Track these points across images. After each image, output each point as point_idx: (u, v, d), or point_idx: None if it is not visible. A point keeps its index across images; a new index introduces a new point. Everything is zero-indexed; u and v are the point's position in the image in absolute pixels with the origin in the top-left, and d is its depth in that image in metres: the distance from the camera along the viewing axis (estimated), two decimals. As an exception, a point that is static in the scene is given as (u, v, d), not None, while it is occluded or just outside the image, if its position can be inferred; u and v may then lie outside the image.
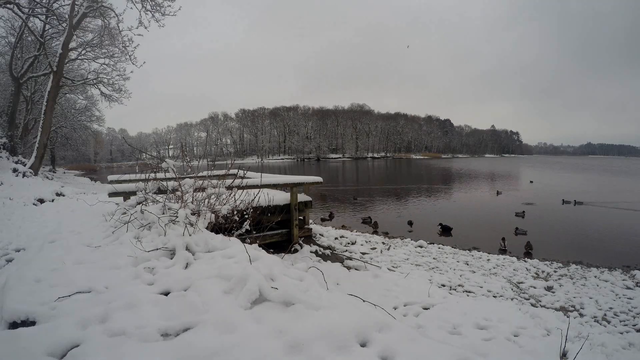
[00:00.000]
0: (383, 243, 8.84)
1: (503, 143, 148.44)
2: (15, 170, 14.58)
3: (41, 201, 10.31)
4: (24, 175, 14.50)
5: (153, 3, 16.73)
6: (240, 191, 4.96)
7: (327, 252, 7.19)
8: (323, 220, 13.00)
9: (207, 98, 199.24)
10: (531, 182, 29.55)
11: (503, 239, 9.45)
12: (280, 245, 6.65)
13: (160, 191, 4.76)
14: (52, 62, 16.77)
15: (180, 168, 5.20)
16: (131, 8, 16.79)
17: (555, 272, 7.15)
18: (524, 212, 14.13)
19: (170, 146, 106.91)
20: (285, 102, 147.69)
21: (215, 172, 5.80)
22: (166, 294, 2.42)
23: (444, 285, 6.00)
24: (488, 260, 7.83)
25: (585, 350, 3.73)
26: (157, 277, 2.68)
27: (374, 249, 8.23)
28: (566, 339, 3.43)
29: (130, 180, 6.08)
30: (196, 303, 2.19)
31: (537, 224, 12.39)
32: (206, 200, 4.37)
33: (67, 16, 16.67)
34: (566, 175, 40.57)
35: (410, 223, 12.18)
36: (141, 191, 4.67)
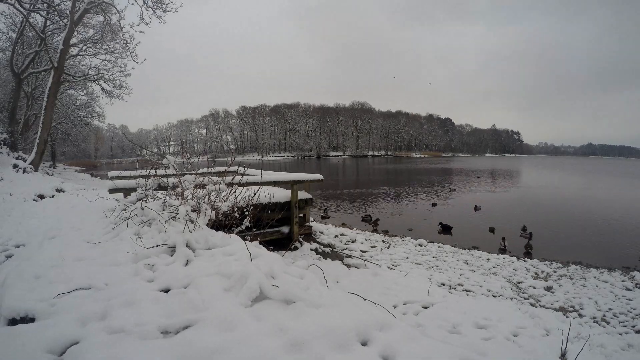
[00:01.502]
0: (383, 241, 8.84)
1: (504, 142, 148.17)
2: (15, 166, 14.56)
3: (41, 197, 10.29)
4: (24, 171, 14.49)
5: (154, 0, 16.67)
6: (240, 188, 4.95)
7: (327, 249, 7.19)
8: (323, 218, 13.01)
9: (208, 96, 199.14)
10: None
11: (503, 238, 9.45)
12: (281, 243, 6.64)
13: (160, 188, 4.74)
14: (53, 58, 16.71)
15: (180, 164, 5.19)
16: (132, 4, 16.73)
17: (554, 272, 7.15)
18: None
19: (171, 143, 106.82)
20: (287, 99, 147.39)
21: (216, 169, 5.78)
22: (166, 291, 2.42)
23: (443, 284, 5.99)
24: (488, 259, 7.83)
25: (585, 351, 3.73)
26: (157, 274, 2.67)
27: (374, 247, 8.23)
28: (567, 340, 3.42)
29: (130, 177, 6.06)
30: (196, 300, 2.18)
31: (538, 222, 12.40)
32: (206, 197, 4.35)
33: (68, 12, 16.59)
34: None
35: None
36: (141, 187, 4.65)
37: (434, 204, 16.09)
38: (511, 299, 5.58)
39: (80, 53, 20.90)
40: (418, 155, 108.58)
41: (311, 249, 6.86)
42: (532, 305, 5.37)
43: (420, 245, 8.77)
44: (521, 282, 6.40)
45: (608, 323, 4.93)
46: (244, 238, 3.80)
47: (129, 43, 17.90)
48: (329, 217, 13.17)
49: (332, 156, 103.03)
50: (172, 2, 16.97)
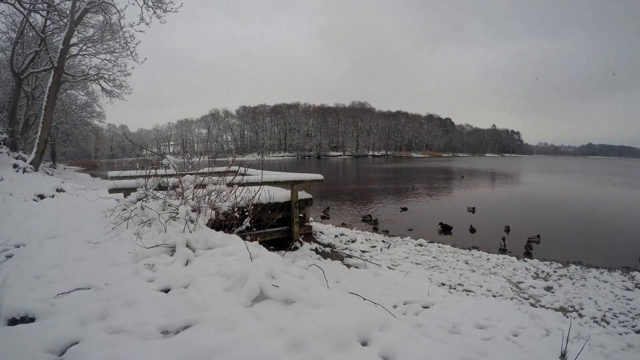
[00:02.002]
0: (383, 241, 8.84)
1: (504, 142, 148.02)
2: (15, 166, 14.56)
3: (41, 197, 10.30)
4: (24, 171, 14.49)
5: (154, -1, 16.68)
6: (240, 188, 4.95)
7: (327, 249, 7.19)
8: (323, 218, 13.01)
9: (208, 96, 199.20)
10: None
11: (503, 238, 9.45)
12: (281, 243, 6.64)
13: (160, 187, 4.74)
14: (53, 58, 16.71)
15: (180, 164, 5.19)
16: (133, 4, 16.74)
17: (554, 272, 7.15)
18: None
19: (171, 143, 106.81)
20: (287, 99, 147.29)
21: (216, 169, 5.78)
22: (166, 291, 2.42)
23: (443, 284, 5.99)
24: (488, 259, 7.83)
25: (585, 351, 3.73)
26: (157, 274, 2.67)
27: (374, 247, 8.22)
28: (567, 340, 3.42)
29: (130, 177, 6.06)
30: (196, 300, 2.18)
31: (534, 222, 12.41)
32: (207, 197, 4.35)
33: (68, 12, 16.60)
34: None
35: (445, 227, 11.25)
36: (141, 187, 4.65)
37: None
38: (511, 299, 5.58)
39: (81, 53, 20.90)
40: (418, 155, 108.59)
41: (311, 249, 6.86)
42: (532, 305, 5.37)
43: (420, 245, 8.77)
44: (521, 282, 6.39)
45: (608, 323, 4.93)
46: (244, 238, 3.80)
47: (129, 42, 17.94)
48: (329, 217, 13.17)
49: (332, 156, 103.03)
50: (172, 2, 17.01)
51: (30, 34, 20.65)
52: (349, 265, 6.53)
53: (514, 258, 8.00)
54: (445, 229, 11.17)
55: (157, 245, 3.18)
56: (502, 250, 8.96)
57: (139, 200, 4.58)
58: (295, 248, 6.68)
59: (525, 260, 7.91)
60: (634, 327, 4.82)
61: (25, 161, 15.77)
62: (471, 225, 11.48)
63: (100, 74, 21.25)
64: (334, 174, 37.73)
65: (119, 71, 21.07)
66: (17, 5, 16.20)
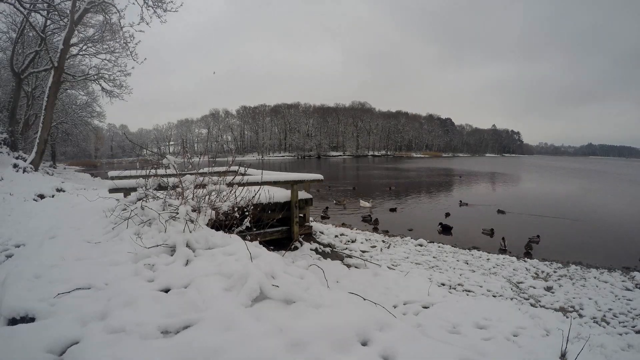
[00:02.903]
0: (383, 241, 8.84)
1: (504, 142, 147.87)
2: (15, 166, 14.55)
3: (41, 197, 10.30)
4: (24, 171, 14.48)
5: (154, -1, 16.67)
6: (240, 188, 4.94)
7: (327, 249, 7.19)
8: (323, 217, 13.00)
9: (207, 95, 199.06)
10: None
11: (503, 238, 9.45)
12: (281, 243, 6.64)
13: (160, 187, 4.74)
14: (53, 58, 16.70)
15: (181, 164, 5.18)
16: (133, 4, 16.74)
17: (554, 272, 7.15)
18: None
19: (171, 142, 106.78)
20: (287, 99, 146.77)
21: (216, 169, 5.78)
22: (166, 290, 2.42)
23: (443, 284, 5.99)
24: (488, 259, 7.83)
25: (585, 351, 3.72)
26: (157, 274, 2.67)
27: (374, 247, 8.22)
28: (567, 340, 3.42)
29: (130, 177, 6.06)
30: (196, 300, 2.18)
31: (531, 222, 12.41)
32: (207, 197, 4.35)
33: (68, 12, 16.59)
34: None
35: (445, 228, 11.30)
36: (142, 187, 4.65)
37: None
38: (511, 299, 5.58)
39: (81, 52, 20.91)
40: (418, 155, 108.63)
41: (311, 249, 6.86)
42: (532, 305, 5.37)
43: (420, 245, 8.77)
44: (521, 282, 6.39)
45: (608, 323, 4.93)
46: (244, 238, 3.80)
47: (129, 42, 17.93)
48: (329, 217, 13.16)
49: (332, 156, 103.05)
50: (172, 2, 17.00)
51: (31, 34, 20.63)
52: (349, 265, 6.53)
53: (514, 258, 8.00)
54: (445, 229, 11.17)
55: (157, 245, 3.18)
56: (502, 251, 8.96)
57: (139, 200, 4.57)
58: (295, 248, 6.68)
59: (525, 261, 7.91)
60: (634, 327, 4.82)
61: (25, 161, 15.76)
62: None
63: (100, 74, 21.25)
64: (334, 174, 37.82)
65: (119, 71, 21.09)
66: (17, 5, 16.19)
